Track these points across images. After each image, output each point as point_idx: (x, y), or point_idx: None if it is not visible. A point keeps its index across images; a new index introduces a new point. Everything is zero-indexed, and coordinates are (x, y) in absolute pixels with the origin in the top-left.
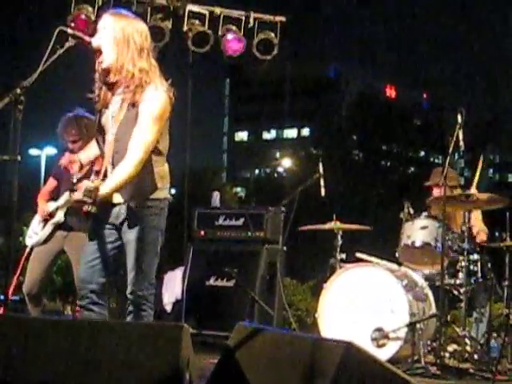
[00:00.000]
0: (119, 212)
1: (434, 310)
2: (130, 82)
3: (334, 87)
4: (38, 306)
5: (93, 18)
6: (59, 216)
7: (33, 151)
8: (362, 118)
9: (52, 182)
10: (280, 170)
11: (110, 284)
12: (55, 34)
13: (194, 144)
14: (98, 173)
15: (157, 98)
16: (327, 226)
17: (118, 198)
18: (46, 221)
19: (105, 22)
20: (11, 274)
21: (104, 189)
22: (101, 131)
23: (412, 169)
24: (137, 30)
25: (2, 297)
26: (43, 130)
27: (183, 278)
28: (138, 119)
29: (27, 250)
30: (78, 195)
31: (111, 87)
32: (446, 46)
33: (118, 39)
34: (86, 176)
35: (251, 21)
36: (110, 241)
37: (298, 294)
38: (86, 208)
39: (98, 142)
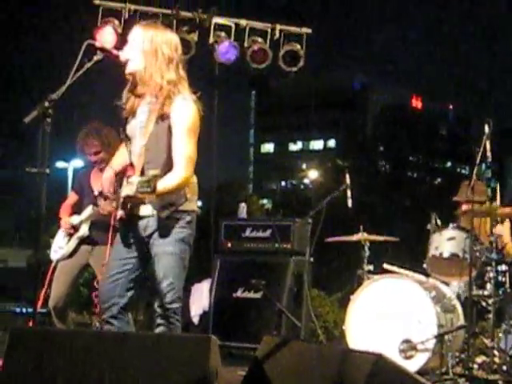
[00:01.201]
0: (147, 224)
1: (462, 322)
2: (158, 94)
3: (359, 98)
4: (64, 320)
5: (120, 30)
6: (83, 230)
7: (60, 164)
8: (388, 128)
9: (73, 196)
10: (306, 181)
11: (138, 297)
12: (83, 47)
13: (220, 156)
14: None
15: (187, 109)
16: (354, 237)
17: (145, 211)
18: (70, 235)
19: (134, 34)
20: (39, 287)
21: (160, 184)
22: (127, 140)
23: (438, 179)
24: (166, 40)
25: (31, 309)
26: (70, 143)
27: (210, 289)
28: (172, 132)
29: (53, 264)
30: (128, 190)
31: (139, 97)
32: (471, 56)
33: (146, 50)
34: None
35: (277, 33)
36: (137, 254)
37: (325, 306)
38: (120, 214)
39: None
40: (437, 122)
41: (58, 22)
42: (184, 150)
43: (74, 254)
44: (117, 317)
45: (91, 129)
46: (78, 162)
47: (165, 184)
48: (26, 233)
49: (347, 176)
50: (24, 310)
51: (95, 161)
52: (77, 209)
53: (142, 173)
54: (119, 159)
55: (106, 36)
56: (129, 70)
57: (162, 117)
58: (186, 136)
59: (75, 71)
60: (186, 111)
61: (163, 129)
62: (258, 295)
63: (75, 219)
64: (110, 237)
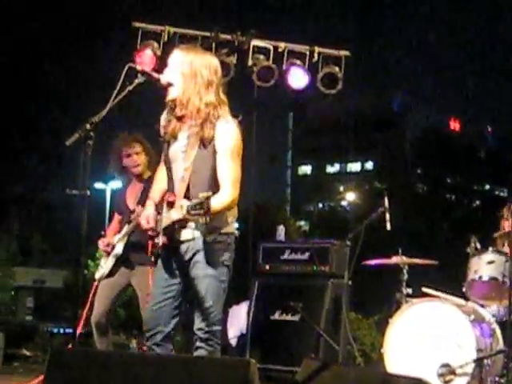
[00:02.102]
0: (188, 248)
1: (501, 346)
2: (196, 116)
3: (397, 120)
4: (106, 337)
5: (159, 53)
6: (118, 248)
7: (98, 185)
8: (426, 150)
9: (116, 217)
10: (344, 203)
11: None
12: (124, 70)
13: (258, 178)
14: (171, 204)
15: (231, 132)
16: (393, 260)
17: (186, 235)
18: (109, 254)
19: (173, 57)
20: (79, 308)
21: (213, 203)
22: (168, 162)
23: (477, 202)
24: (205, 64)
25: (69, 330)
26: (108, 164)
27: (248, 312)
28: (217, 155)
29: (95, 283)
30: (178, 214)
31: (180, 120)
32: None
33: (185, 73)
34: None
35: (315, 55)
36: (179, 280)
37: (363, 329)
38: (163, 240)
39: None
40: (475, 144)
41: (99, 45)
42: (230, 172)
43: (114, 273)
44: (160, 344)
45: (130, 134)
46: (116, 184)
47: (215, 205)
48: (63, 254)
49: (385, 198)
50: (62, 331)
51: (134, 173)
52: (121, 228)
53: (186, 197)
54: (158, 187)
55: (145, 59)
56: (171, 96)
57: (206, 140)
58: (231, 159)
59: (116, 94)
60: (229, 134)
61: (208, 152)
62: (296, 318)
63: (115, 238)
64: (152, 260)
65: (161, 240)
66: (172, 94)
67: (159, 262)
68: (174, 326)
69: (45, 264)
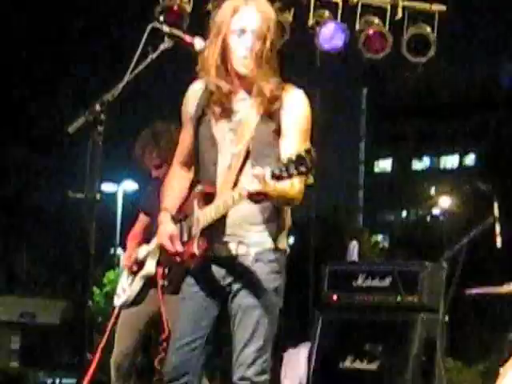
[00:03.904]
0: (227, 268)
1: None
2: (260, 88)
3: (509, 100)
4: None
5: (188, 9)
6: (149, 266)
7: (107, 186)
8: None
9: (143, 220)
10: (436, 211)
11: (214, 365)
12: (146, 32)
13: (319, 176)
14: (208, 197)
15: (303, 106)
16: (505, 288)
17: (224, 250)
18: (134, 273)
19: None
20: (85, 350)
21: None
22: (204, 146)
23: None
24: (274, 18)
25: (68, 381)
26: (120, 160)
27: (309, 357)
28: (282, 134)
29: (115, 311)
30: (253, 186)
31: (227, 96)
32: None
33: (263, 35)
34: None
35: (399, 11)
36: (214, 313)
37: (464, 382)
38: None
39: (198, 166)
40: None
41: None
42: (297, 143)
43: (142, 299)
44: None
45: (150, 135)
46: (130, 185)
47: (279, 188)
48: (61, 278)
49: (495, 205)
50: (58, 382)
51: (157, 176)
52: (149, 235)
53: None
54: (173, 195)
55: (174, 17)
56: (243, 69)
57: (268, 116)
58: (302, 140)
59: (135, 64)
60: (301, 109)
61: (269, 132)
62: (374, 366)
63: (142, 251)
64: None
65: (196, 249)
66: (247, 68)
67: (184, 285)
68: (201, 373)
69: (36, 292)
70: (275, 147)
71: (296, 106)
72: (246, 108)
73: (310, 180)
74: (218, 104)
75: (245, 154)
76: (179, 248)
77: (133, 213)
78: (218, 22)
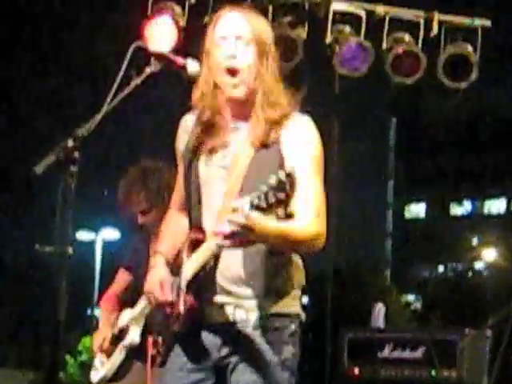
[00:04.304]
0: (224, 337)
1: None
2: (257, 116)
3: None
4: None
5: (183, 22)
6: (133, 335)
7: (82, 235)
8: None
9: (124, 277)
10: (479, 265)
11: None
12: (129, 52)
13: (339, 222)
14: (197, 244)
15: (310, 133)
16: None
17: (218, 315)
18: (115, 343)
19: (234, 24)
20: None
21: (268, 222)
22: (194, 186)
23: None
24: (271, 34)
25: None
26: (98, 204)
27: None
28: (286, 164)
29: None
30: (236, 218)
31: (218, 127)
32: None
33: (258, 51)
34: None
35: (434, 26)
36: None
37: None
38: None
39: (189, 208)
40: None
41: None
42: (312, 192)
43: (124, 374)
44: None
45: (137, 175)
46: (110, 233)
47: (283, 226)
48: (27, 346)
49: None
50: None
51: (142, 224)
52: (131, 296)
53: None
54: (169, 241)
55: (161, 32)
56: (234, 93)
57: (265, 148)
58: (313, 173)
59: (116, 91)
60: (308, 136)
61: (265, 166)
62: None
63: (125, 317)
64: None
65: (181, 306)
66: (240, 90)
67: (174, 355)
68: None
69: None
70: None
71: (300, 132)
72: (240, 140)
73: (290, 209)
74: (209, 137)
75: (238, 193)
76: (169, 296)
77: (113, 267)
78: (206, 40)
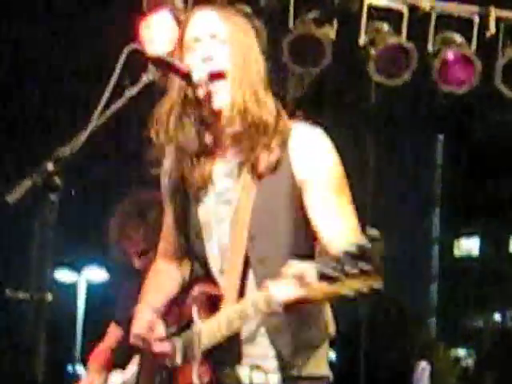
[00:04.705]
0: None
1: None
2: (254, 135)
3: None
4: None
5: (182, 16)
6: None
7: (63, 275)
8: None
9: (114, 333)
10: None
11: None
12: (122, 57)
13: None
14: (214, 302)
15: (323, 148)
16: None
17: (231, 378)
18: None
19: (212, 26)
20: None
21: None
22: (196, 239)
23: None
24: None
25: None
26: (82, 240)
27: None
28: (305, 193)
29: None
30: (289, 290)
31: (212, 150)
32: None
33: (242, 61)
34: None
35: (491, 24)
36: None
37: None
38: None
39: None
40: None
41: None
42: (343, 214)
43: None
44: None
45: (133, 208)
46: (95, 273)
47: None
48: None
49: None
50: None
51: (138, 268)
52: (123, 354)
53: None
54: (159, 293)
55: (160, 32)
56: (219, 103)
57: (268, 171)
58: (339, 192)
59: (106, 104)
60: (322, 153)
61: (274, 197)
62: None
63: (115, 379)
64: None
65: (196, 380)
66: (220, 99)
67: None
68: None
69: None
70: (290, 214)
71: (313, 148)
72: (231, 173)
73: (378, 283)
74: (195, 171)
75: (247, 234)
76: (164, 347)
77: (100, 315)
78: (175, 47)
